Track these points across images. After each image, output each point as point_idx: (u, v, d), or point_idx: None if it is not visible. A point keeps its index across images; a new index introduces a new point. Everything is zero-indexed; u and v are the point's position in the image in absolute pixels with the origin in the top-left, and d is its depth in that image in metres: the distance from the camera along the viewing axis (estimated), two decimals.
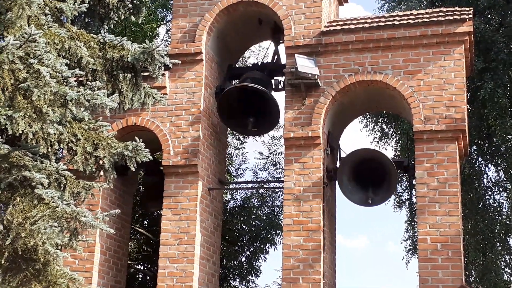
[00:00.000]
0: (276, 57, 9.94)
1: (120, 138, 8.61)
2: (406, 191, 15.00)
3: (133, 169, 7.07)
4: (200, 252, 8.92)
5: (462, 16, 8.64)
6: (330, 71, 8.95)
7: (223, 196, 11.41)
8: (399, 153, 14.71)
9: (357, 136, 29.71)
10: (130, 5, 7.51)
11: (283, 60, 9.70)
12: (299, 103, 8.93)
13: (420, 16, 8.88)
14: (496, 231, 13.87)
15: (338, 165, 9.45)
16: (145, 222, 14.04)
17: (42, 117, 5.94)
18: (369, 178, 9.06)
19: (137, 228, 13.36)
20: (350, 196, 9.13)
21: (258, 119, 9.58)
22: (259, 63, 10.33)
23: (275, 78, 9.57)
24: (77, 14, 7.02)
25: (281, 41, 9.74)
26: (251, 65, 10.13)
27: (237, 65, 10.74)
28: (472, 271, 14.06)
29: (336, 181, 9.36)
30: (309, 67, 8.79)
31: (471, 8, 8.92)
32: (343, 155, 9.42)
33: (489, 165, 14.50)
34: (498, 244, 13.95)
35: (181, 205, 8.96)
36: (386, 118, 15.13)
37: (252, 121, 9.46)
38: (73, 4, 6.87)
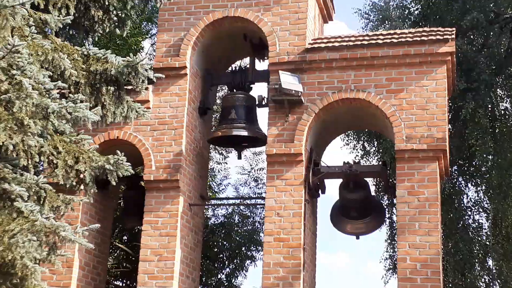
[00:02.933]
0: (253, 65, 9.90)
1: (102, 151, 8.48)
2: (387, 209, 15.02)
3: (114, 183, 7.00)
4: (180, 269, 8.84)
5: (445, 37, 8.71)
6: (314, 88, 8.98)
7: (205, 212, 11.34)
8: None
9: (339, 154, 29.79)
10: (115, 18, 7.46)
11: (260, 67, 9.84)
12: (282, 120, 8.93)
13: (404, 35, 8.94)
14: (475, 251, 13.93)
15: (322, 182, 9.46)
16: (124, 237, 13.92)
17: (23, 129, 5.86)
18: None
19: (117, 244, 13.24)
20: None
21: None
22: (237, 68, 10.11)
23: (259, 94, 9.55)
24: (61, 26, 6.93)
25: (265, 57, 9.76)
26: (230, 71, 9.98)
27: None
28: None
29: (318, 198, 9.42)
30: (293, 84, 8.80)
31: (454, 29, 9.00)
32: (325, 171, 9.42)
33: (469, 185, 14.60)
34: (477, 265, 14.00)
35: (162, 221, 8.88)
36: (368, 136, 15.18)
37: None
38: (58, 16, 6.81)
